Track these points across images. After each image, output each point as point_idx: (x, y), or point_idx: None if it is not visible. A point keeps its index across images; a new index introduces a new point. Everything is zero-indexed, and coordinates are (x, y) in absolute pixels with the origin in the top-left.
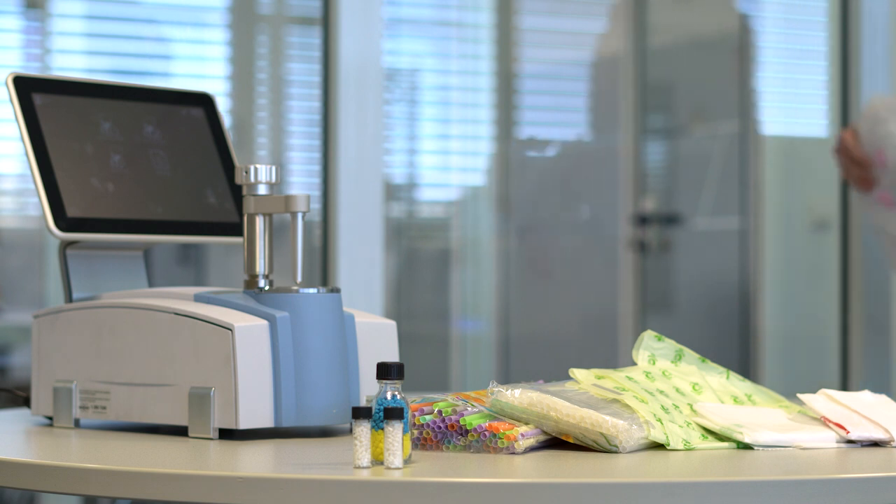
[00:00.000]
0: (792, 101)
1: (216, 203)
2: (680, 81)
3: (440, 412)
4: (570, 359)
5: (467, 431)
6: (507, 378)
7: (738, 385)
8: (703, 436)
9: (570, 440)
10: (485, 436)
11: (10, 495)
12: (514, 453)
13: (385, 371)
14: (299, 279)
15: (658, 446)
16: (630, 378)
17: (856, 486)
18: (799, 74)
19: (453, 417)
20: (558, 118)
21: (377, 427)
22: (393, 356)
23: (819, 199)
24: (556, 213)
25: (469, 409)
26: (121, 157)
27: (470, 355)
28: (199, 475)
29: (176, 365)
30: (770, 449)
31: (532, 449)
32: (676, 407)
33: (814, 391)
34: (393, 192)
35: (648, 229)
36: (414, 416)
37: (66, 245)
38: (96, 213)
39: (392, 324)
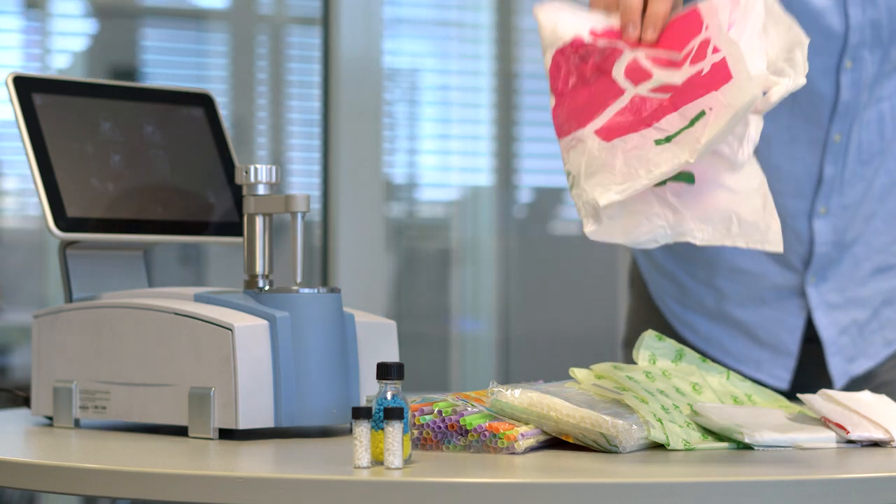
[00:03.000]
0: None
1: (216, 203)
2: None
3: (440, 412)
4: (570, 359)
5: (467, 431)
6: (507, 378)
7: (738, 385)
8: (703, 436)
9: (570, 440)
10: (485, 436)
11: (10, 495)
12: (514, 453)
13: (385, 371)
14: (299, 279)
15: (658, 446)
16: (630, 378)
17: (856, 486)
18: None
19: (453, 417)
20: None
21: (377, 427)
22: (393, 356)
23: None
24: (555, 210)
25: (469, 409)
26: (121, 157)
27: (470, 355)
28: (199, 475)
29: (176, 365)
30: (770, 449)
31: (532, 449)
32: (676, 407)
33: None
34: (393, 192)
35: None
36: (414, 416)
37: (66, 245)
38: (96, 213)
39: (392, 324)
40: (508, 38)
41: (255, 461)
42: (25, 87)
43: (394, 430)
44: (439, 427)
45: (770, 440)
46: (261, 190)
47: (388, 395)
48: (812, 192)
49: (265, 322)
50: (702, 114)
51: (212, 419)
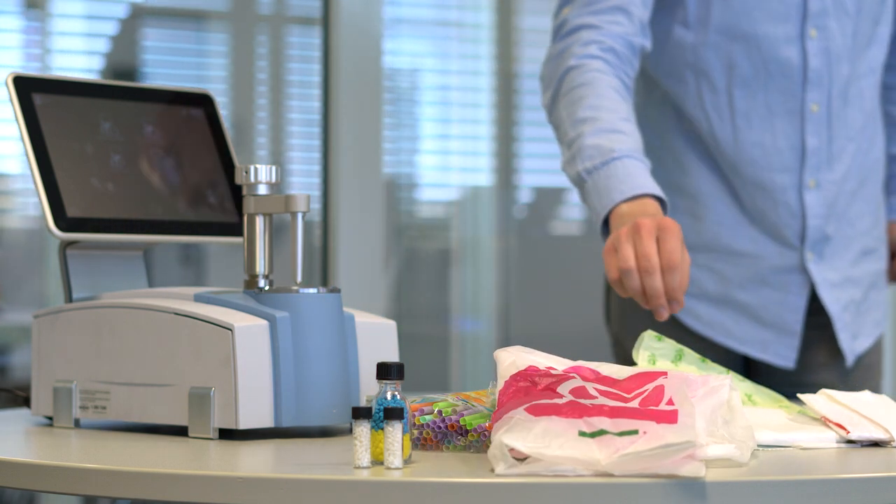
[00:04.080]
0: None
1: (216, 203)
2: None
3: (440, 412)
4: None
5: (467, 431)
6: None
7: (738, 385)
8: None
9: None
10: (485, 436)
11: (11, 495)
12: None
13: (385, 371)
14: (299, 279)
15: None
16: None
17: (856, 486)
18: None
19: (453, 417)
20: None
21: (377, 427)
22: (393, 356)
23: None
24: (555, 211)
25: (469, 409)
26: (121, 157)
27: (470, 355)
28: (199, 475)
29: (176, 365)
30: (770, 449)
31: None
32: None
33: None
34: (393, 191)
35: None
36: (414, 416)
37: (66, 245)
38: (96, 213)
39: (392, 324)
40: (508, 38)
41: (254, 461)
42: (25, 87)
43: (394, 430)
44: (439, 427)
45: (770, 440)
46: (261, 190)
47: (388, 395)
48: (798, 165)
49: (265, 322)
50: (634, 431)
51: (212, 419)
